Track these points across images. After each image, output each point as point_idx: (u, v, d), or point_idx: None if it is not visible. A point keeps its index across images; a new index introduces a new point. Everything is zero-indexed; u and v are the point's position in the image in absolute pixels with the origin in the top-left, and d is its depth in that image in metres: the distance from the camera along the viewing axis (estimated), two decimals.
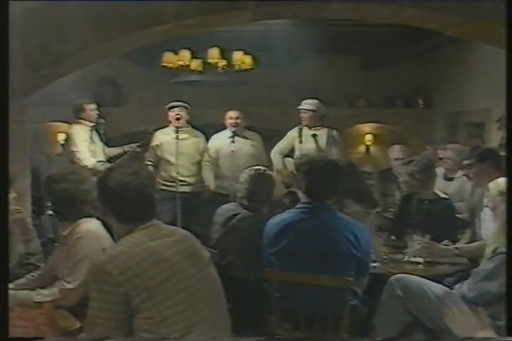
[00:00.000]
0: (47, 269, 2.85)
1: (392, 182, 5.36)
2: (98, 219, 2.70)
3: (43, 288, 2.63)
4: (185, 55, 5.71)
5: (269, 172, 3.49)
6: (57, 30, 3.17)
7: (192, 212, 5.50)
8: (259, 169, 3.46)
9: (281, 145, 5.58)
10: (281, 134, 5.73)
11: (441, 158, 6.03)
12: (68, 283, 2.52)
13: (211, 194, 5.46)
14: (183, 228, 4.86)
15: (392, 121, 7.59)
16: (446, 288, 2.90)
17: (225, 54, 5.80)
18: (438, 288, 2.88)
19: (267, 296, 2.99)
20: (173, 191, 5.30)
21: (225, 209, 3.53)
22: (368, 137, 7.78)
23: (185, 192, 5.38)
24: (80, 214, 2.66)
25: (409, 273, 3.08)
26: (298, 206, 2.89)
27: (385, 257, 3.40)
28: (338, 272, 2.73)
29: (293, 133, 5.53)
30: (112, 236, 2.63)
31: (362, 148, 7.87)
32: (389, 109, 7.66)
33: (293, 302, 2.78)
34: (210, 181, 5.46)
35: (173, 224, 5.00)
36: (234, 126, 5.47)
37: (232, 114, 5.53)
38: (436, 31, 3.86)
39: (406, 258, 3.38)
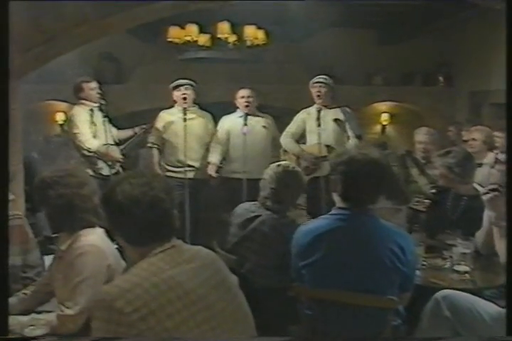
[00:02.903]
0: (42, 284, 2.47)
1: (413, 167, 4.99)
2: (101, 227, 2.31)
3: (38, 312, 2.26)
4: (192, 29, 5.28)
5: (298, 169, 3.08)
6: (51, 6, 2.72)
7: (202, 200, 5.15)
8: (288, 166, 3.03)
9: (292, 129, 5.16)
10: (294, 113, 5.34)
11: (465, 141, 5.69)
12: (68, 308, 2.14)
13: (220, 179, 5.09)
14: (192, 219, 4.69)
15: (410, 99, 7.17)
16: (500, 309, 2.52)
17: (235, 28, 5.34)
18: (491, 308, 2.51)
19: (291, 308, 2.67)
20: (181, 177, 4.92)
21: (244, 208, 3.14)
22: (385, 116, 7.34)
23: (193, 179, 5.00)
24: (80, 224, 2.27)
25: (455, 284, 2.75)
26: (333, 212, 2.47)
27: (424, 262, 3.02)
28: (381, 290, 2.34)
29: (302, 115, 5.13)
30: (119, 250, 2.25)
31: (377, 128, 7.45)
32: (407, 86, 7.22)
33: (326, 322, 2.44)
34: (214, 161, 5.07)
35: (181, 214, 4.66)
36: (246, 106, 5.05)
37: (243, 92, 5.11)
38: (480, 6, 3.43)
39: (448, 265, 2.99)
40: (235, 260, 2.98)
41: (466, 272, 2.87)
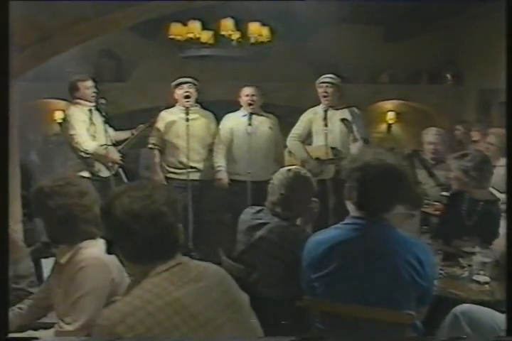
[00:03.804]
0: (39, 299, 2.34)
1: (421, 168, 4.84)
2: (102, 237, 2.17)
3: (35, 328, 2.13)
4: (194, 26, 5.11)
5: (309, 174, 2.92)
6: (48, 3, 2.57)
7: (205, 202, 5.00)
8: (299, 171, 2.87)
9: (298, 130, 5.01)
10: (298, 111, 5.21)
11: (475, 141, 5.54)
12: (67, 324, 2.01)
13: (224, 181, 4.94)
14: (195, 222, 4.54)
15: (417, 97, 6.99)
16: None
17: (239, 25, 5.18)
18: None
19: (301, 320, 2.54)
20: (183, 179, 4.78)
21: (249, 214, 2.98)
22: (391, 115, 7.18)
23: (195, 180, 4.86)
24: (81, 236, 2.13)
25: (474, 295, 2.62)
26: (347, 221, 2.33)
27: (441, 271, 2.87)
28: (398, 304, 2.20)
29: (309, 115, 4.98)
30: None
31: (383, 127, 7.30)
32: (414, 84, 7.05)
33: (340, 337, 2.30)
34: (223, 165, 4.91)
35: (184, 218, 4.52)
36: (249, 104, 4.89)
37: (247, 90, 4.95)
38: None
39: (466, 274, 2.84)
40: (241, 269, 2.84)
41: (486, 283, 2.73)
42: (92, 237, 2.14)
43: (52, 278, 2.25)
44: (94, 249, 2.11)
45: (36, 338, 2.07)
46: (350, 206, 2.34)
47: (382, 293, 2.22)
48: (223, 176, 4.89)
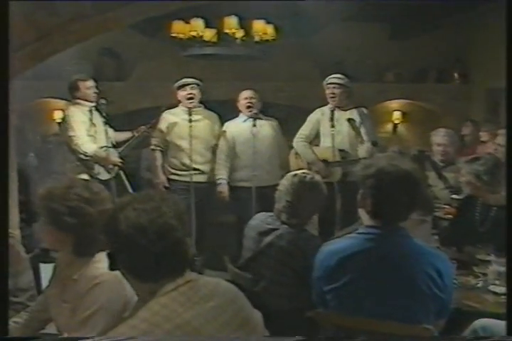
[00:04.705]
0: (37, 311, 2.22)
1: (430, 170, 4.72)
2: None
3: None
4: (197, 24, 4.96)
5: (317, 179, 2.80)
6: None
7: (208, 205, 4.88)
8: (305, 176, 2.76)
9: (306, 131, 4.87)
10: (303, 111, 5.11)
11: (483, 142, 5.43)
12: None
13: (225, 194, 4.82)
14: (198, 225, 4.43)
15: (423, 97, 6.87)
16: None
17: (243, 23, 5.05)
18: None
19: (310, 330, 2.44)
20: (186, 181, 4.67)
21: (260, 220, 2.88)
22: (397, 115, 7.07)
23: (198, 182, 4.74)
24: (97, 248, 1.99)
25: (491, 308, 2.50)
26: (362, 231, 2.21)
27: (455, 280, 2.75)
28: (415, 318, 2.09)
29: (317, 115, 4.85)
30: None
31: (389, 127, 7.17)
32: (420, 83, 6.93)
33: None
34: (224, 178, 4.78)
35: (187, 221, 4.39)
36: (248, 106, 4.77)
37: (246, 93, 4.85)
38: None
39: (481, 284, 2.73)
40: (248, 278, 2.74)
41: (503, 294, 2.60)
42: (103, 249, 2.00)
43: (52, 290, 2.12)
44: (107, 263, 1.97)
45: (36, 338, 2.05)
46: (363, 214, 2.22)
47: (399, 306, 2.10)
48: (224, 189, 4.77)
